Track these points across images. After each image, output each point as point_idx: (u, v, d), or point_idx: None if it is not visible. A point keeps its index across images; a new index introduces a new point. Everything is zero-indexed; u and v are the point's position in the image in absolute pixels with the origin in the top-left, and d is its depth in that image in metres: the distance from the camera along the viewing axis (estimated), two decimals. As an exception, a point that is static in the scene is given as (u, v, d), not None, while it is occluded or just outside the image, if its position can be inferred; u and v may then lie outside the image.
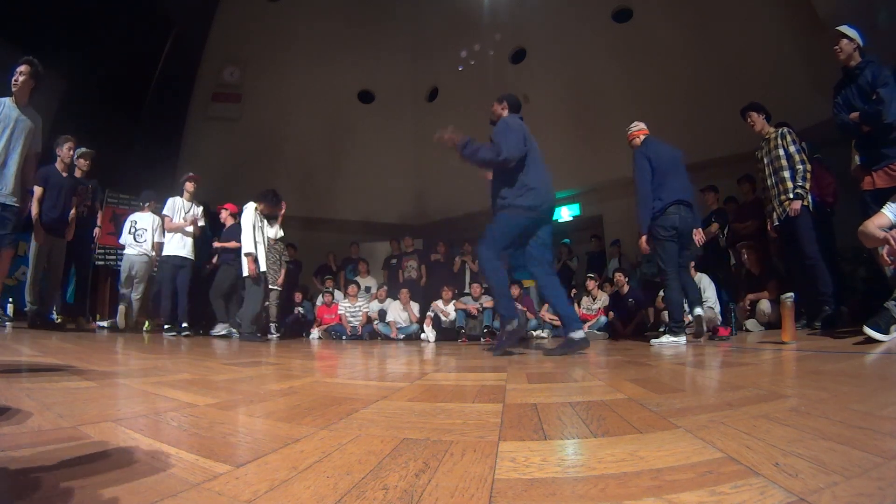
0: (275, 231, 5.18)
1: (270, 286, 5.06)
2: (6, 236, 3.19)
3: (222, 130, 8.85)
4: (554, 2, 8.03)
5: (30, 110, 3.37)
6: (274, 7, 8.84)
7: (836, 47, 3.22)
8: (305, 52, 9.04)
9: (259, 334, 4.91)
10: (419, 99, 10.01)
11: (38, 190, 4.24)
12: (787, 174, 3.72)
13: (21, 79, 3.28)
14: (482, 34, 8.79)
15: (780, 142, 3.80)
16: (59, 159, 4.48)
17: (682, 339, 3.33)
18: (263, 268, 4.81)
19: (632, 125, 3.80)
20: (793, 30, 5.75)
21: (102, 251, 6.39)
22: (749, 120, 4.00)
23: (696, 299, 3.62)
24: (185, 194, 5.17)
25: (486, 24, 8.63)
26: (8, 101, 3.22)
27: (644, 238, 3.55)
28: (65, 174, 4.52)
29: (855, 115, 3.13)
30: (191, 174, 5.33)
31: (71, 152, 4.53)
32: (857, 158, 3.61)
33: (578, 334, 2.80)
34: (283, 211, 5.26)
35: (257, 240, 4.77)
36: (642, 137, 3.70)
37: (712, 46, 6.54)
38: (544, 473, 0.62)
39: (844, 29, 3.22)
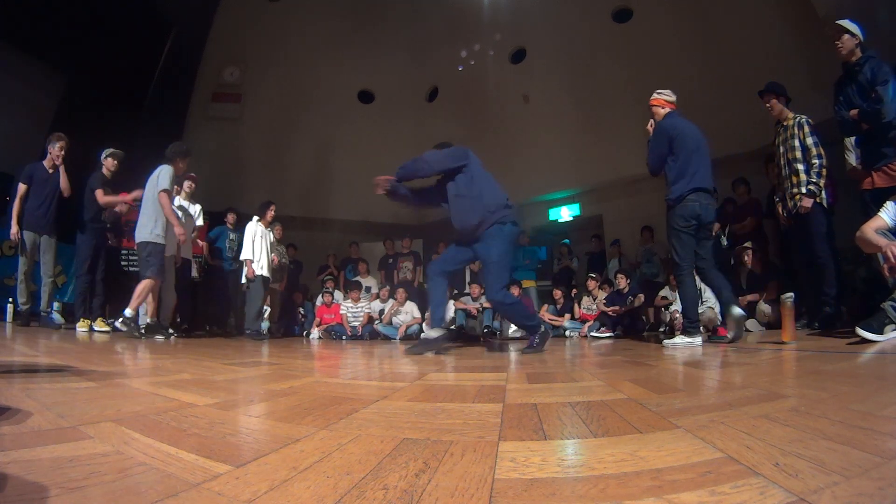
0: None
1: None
2: (151, 268, 4.03)
3: (222, 130, 8.84)
4: (554, 2, 8.02)
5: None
6: (274, 7, 8.83)
7: (838, 42, 3.15)
8: (305, 52, 9.03)
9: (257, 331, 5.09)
10: (419, 99, 9.99)
11: (21, 187, 4.39)
12: (801, 167, 3.52)
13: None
14: (482, 34, 8.77)
15: (796, 131, 3.54)
16: (48, 156, 4.53)
17: (698, 339, 2.99)
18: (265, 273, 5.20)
19: (660, 92, 3.33)
20: (793, 30, 5.74)
21: (126, 252, 6.31)
22: (768, 105, 3.68)
23: (731, 298, 3.08)
24: (183, 193, 5.10)
25: (486, 24, 8.61)
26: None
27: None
28: (51, 171, 4.54)
29: (854, 112, 3.10)
30: (191, 174, 5.26)
31: (62, 152, 4.53)
32: (851, 158, 3.60)
33: (432, 334, 3.05)
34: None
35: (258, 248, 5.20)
36: (667, 110, 3.24)
37: (712, 47, 6.54)
38: (544, 473, 0.62)
39: (846, 23, 3.15)
